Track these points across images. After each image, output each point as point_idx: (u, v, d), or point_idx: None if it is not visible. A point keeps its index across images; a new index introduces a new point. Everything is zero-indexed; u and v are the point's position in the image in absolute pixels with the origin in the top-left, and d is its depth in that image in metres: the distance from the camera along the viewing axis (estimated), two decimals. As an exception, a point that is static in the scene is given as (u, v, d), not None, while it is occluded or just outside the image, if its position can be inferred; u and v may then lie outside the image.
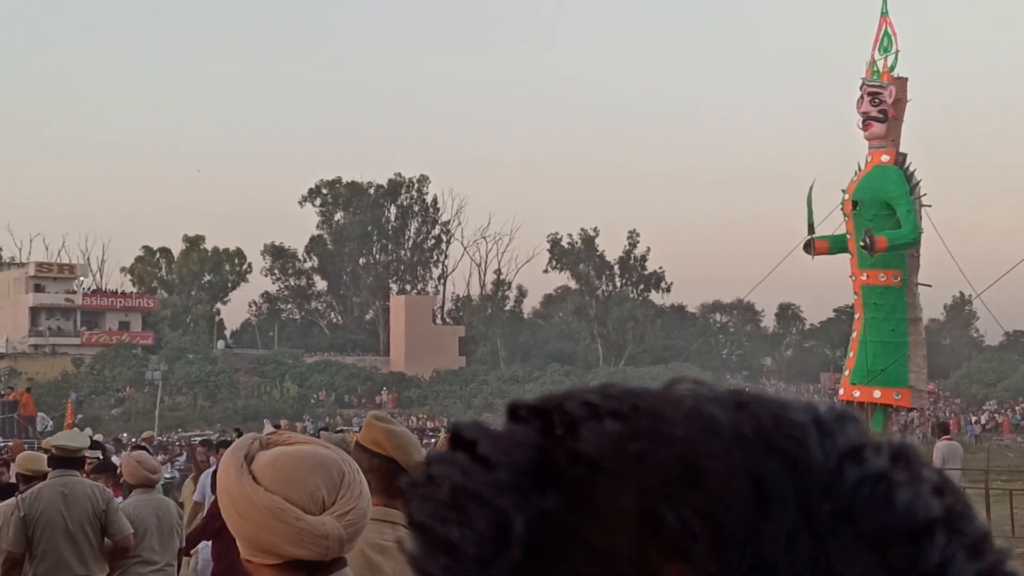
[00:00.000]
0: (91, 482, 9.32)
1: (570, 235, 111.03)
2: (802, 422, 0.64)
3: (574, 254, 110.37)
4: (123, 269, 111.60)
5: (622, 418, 0.66)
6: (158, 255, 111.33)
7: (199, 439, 16.24)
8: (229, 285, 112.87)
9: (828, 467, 0.62)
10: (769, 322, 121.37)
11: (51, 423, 62.09)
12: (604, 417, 0.66)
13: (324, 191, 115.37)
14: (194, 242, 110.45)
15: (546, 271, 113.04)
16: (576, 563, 0.61)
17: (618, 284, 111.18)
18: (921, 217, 38.49)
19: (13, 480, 10.91)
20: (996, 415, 73.54)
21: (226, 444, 28.75)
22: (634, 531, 0.61)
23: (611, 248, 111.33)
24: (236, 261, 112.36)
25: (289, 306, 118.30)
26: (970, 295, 68.14)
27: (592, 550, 0.62)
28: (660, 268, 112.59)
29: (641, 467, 0.62)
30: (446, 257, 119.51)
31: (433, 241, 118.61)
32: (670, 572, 0.59)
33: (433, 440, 41.41)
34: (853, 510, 0.61)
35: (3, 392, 66.08)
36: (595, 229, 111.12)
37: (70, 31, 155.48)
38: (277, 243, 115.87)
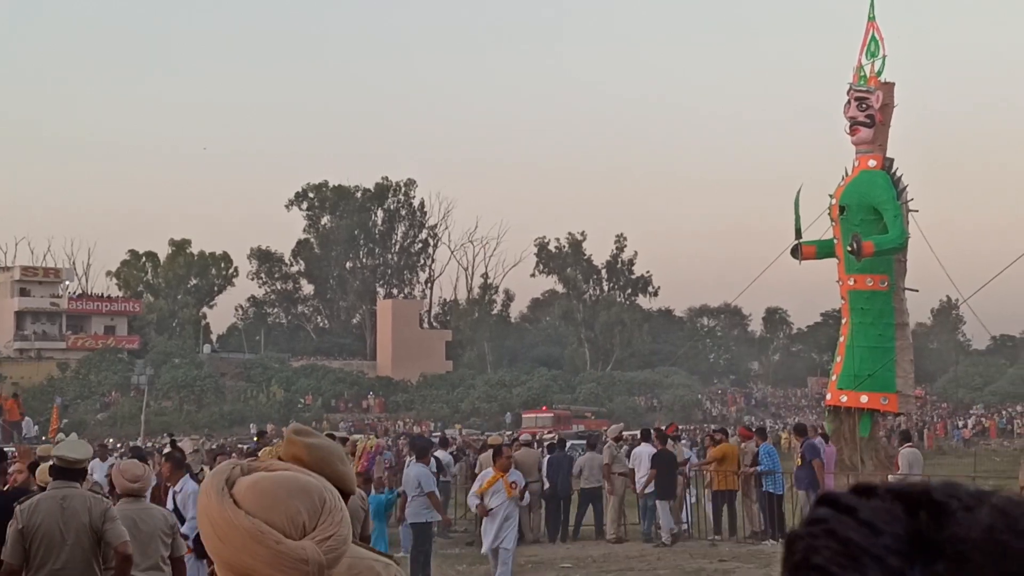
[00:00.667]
0: (90, 493, 9.22)
1: (557, 239, 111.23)
2: None
3: (561, 258, 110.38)
4: (109, 273, 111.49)
5: (989, 511, 0.85)
6: (144, 259, 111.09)
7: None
8: (215, 289, 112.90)
9: None
10: (756, 326, 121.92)
11: (37, 428, 62.03)
12: (972, 508, 0.85)
13: (311, 195, 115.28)
14: (180, 246, 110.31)
15: (533, 275, 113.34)
16: None
17: (605, 288, 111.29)
18: (908, 222, 38.51)
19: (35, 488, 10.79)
20: (983, 419, 73.70)
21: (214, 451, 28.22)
22: None
23: (598, 252, 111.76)
24: (222, 265, 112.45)
25: (276, 310, 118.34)
26: (957, 300, 68.21)
27: None
28: (647, 272, 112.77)
29: (1007, 555, 0.81)
30: (433, 261, 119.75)
31: (420, 245, 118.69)
32: None
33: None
34: None
35: None
36: (582, 233, 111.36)
37: (56, 35, 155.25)
38: (264, 247, 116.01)
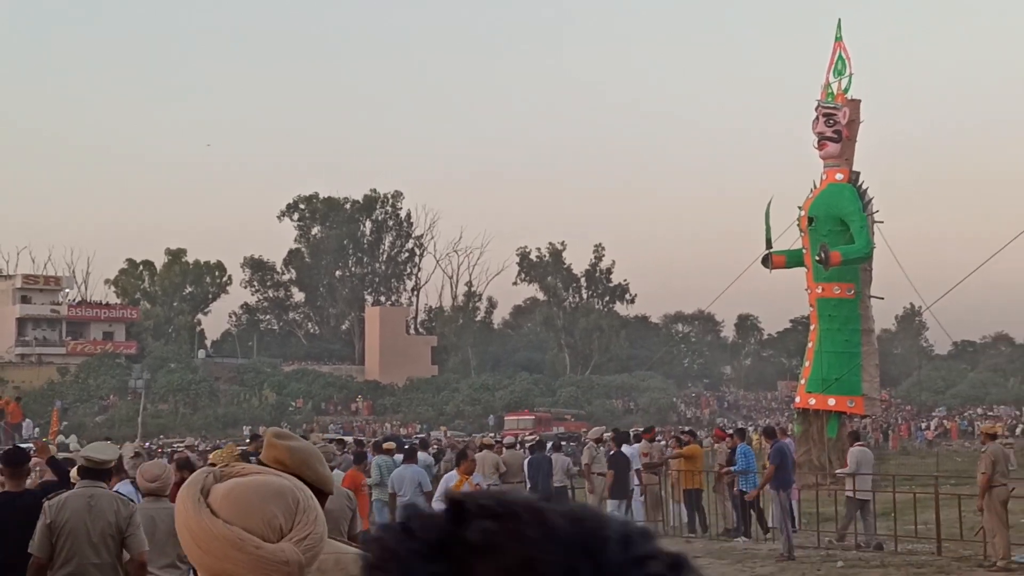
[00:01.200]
0: (115, 494, 9.28)
1: (538, 249, 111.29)
2: (612, 535, 0.92)
3: (542, 267, 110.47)
4: (107, 281, 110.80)
5: (498, 519, 0.95)
6: (141, 267, 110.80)
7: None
8: (210, 296, 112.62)
9: (620, 568, 0.89)
10: (729, 332, 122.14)
11: (37, 430, 61.84)
12: (487, 517, 0.95)
13: (302, 206, 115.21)
14: (176, 255, 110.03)
15: (515, 283, 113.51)
16: None
17: (584, 296, 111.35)
18: (873, 232, 38.73)
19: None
20: (945, 421, 73.98)
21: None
22: None
23: (578, 261, 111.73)
24: (216, 273, 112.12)
25: (268, 317, 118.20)
26: (920, 307, 68.41)
27: None
28: (625, 280, 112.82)
29: (500, 554, 0.91)
30: (419, 270, 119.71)
31: (407, 254, 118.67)
32: None
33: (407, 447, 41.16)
34: None
35: None
36: (562, 243, 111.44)
37: (62, 49, 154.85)
38: (256, 256, 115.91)
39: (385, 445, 28.38)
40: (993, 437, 21.17)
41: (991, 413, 76.52)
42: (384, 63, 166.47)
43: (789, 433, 35.98)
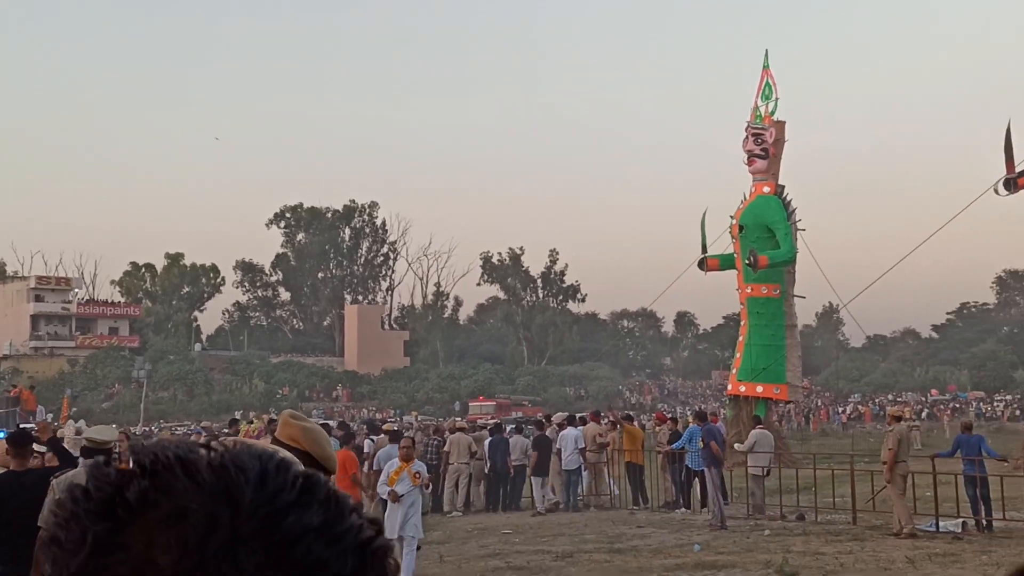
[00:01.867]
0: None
1: (499, 253, 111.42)
2: (250, 476, 0.91)
3: (503, 269, 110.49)
4: (113, 282, 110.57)
5: (155, 475, 0.92)
6: (143, 270, 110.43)
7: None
8: (205, 296, 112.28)
9: (255, 506, 0.89)
10: (669, 327, 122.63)
11: (50, 416, 61.41)
12: (147, 474, 0.92)
13: (288, 215, 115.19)
14: (175, 259, 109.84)
15: (479, 284, 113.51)
16: (112, 569, 0.85)
17: (540, 295, 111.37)
18: (796, 239, 38.90)
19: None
20: (859, 406, 74.42)
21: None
22: (140, 552, 0.87)
23: (535, 264, 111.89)
24: (211, 275, 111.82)
25: (257, 314, 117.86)
26: (837, 305, 68.97)
27: (122, 563, 0.86)
28: (576, 281, 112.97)
29: (154, 509, 0.88)
30: (393, 272, 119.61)
31: (382, 258, 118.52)
32: None
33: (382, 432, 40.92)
34: (262, 528, 0.88)
35: (7, 389, 65.72)
36: (521, 248, 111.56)
37: (74, 64, 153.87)
38: (247, 259, 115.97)
39: (384, 426, 28.46)
40: (898, 419, 21.40)
41: (900, 399, 77.02)
42: (364, 87, 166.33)
43: (721, 417, 36.03)
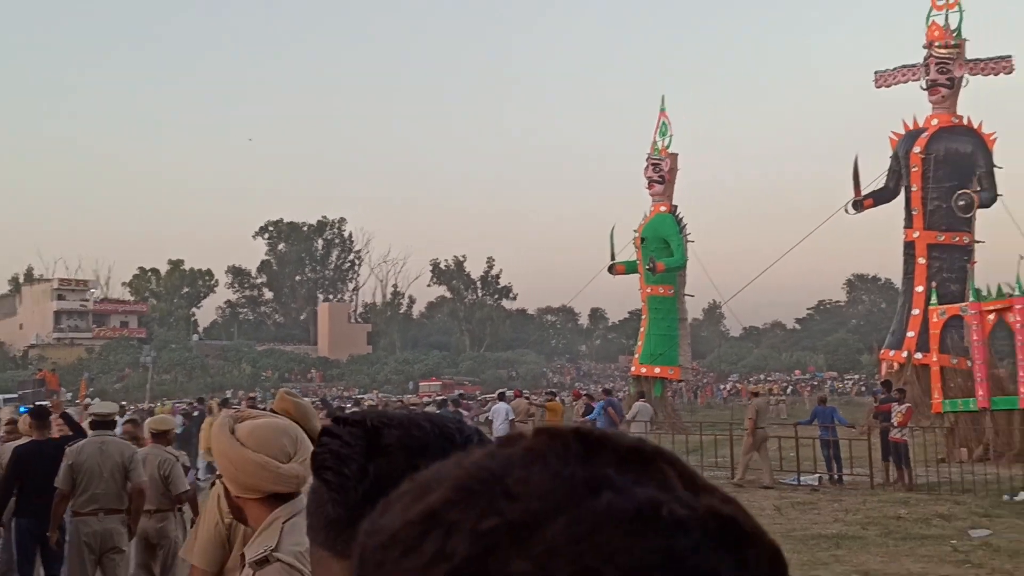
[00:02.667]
0: (121, 440, 9.28)
1: (446, 260, 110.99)
2: (451, 425, 1.16)
3: (449, 273, 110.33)
4: (124, 283, 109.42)
5: (394, 426, 1.14)
6: (149, 273, 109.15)
7: (128, 417, 15.07)
8: (201, 295, 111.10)
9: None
10: (584, 320, 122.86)
11: (70, 395, 60.90)
12: (392, 427, 1.13)
13: (271, 228, 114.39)
14: (176, 264, 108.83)
15: (429, 285, 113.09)
16: (387, 492, 0.78)
17: (479, 294, 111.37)
18: (687, 249, 39.24)
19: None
20: (737, 384, 75.19)
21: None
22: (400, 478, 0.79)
23: (475, 269, 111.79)
24: (206, 278, 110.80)
25: (245, 310, 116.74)
26: (719, 301, 69.56)
27: (392, 486, 0.81)
28: (509, 283, 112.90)
29: (403, 448, 1.11)
30: (358, 275, 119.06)
31: (348, 264, 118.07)
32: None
33: (348, 406, 40.79)
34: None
35: (34, 373, 65.65)
36: (463, 256, 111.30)
37: (90, 82, 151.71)
38: (237, 265, 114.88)
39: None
40: (756, 395, 22.02)
41: (769, 379, 77.94)
42: (335, 119, 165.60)
43: (623, 393, 36.33)
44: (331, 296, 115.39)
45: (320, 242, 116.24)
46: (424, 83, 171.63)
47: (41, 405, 12.03)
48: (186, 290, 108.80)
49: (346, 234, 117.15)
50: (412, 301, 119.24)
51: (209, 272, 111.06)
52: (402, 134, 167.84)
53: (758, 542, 0.58)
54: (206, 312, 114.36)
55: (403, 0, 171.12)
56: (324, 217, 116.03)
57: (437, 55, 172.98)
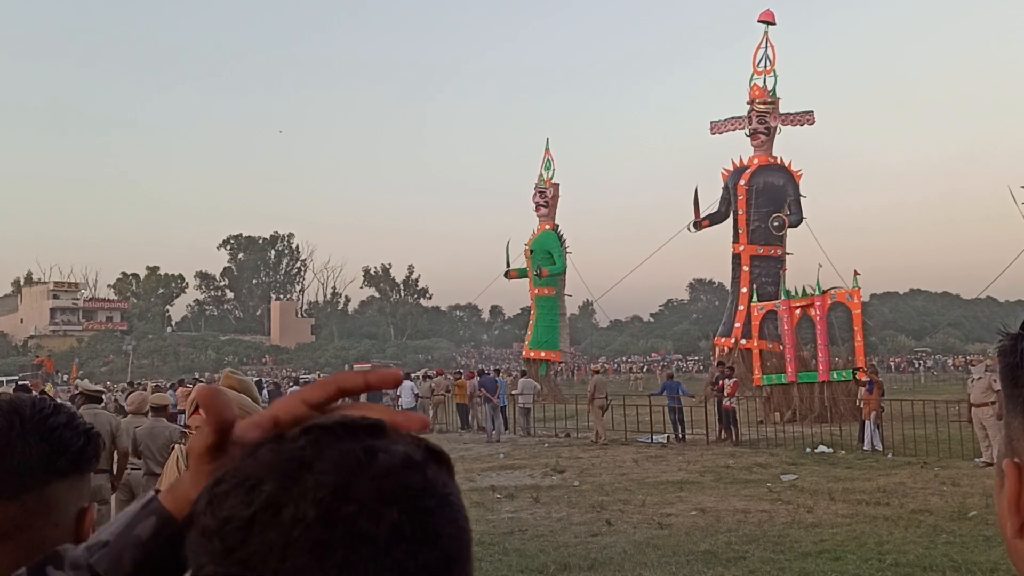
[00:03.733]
0: (108, 413, 9.05)
1: (375, 267, 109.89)
2: (25, 401, 1.12)
3: (378, 278, 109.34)
4: (109, 286, 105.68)
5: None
6: (131, 277, 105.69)
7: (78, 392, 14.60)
8: (174, 295, 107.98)
9: (32, 413, 1.13)
10: (486, 315, 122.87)
11: (65, 377, 59.18)
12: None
13: (232, 241, 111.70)
14: (153, 269, 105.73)
15: (362, 287, 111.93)
16: None
17: (402, 294, 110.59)
18: (567, 259, 39.53)
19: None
20: (606, 364, 76.08)
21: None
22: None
23: (399, 273, 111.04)
24: (179, 281, 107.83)
25: (211, 307, 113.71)
26: (591, 300, 70.18)
27: None
28: (426, 285, 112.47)
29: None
30: (303, 279, 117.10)
31: (296, 270, 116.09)
32: None
33: (292, 387, 39.86)
34: (37, 427, 1.11)
35: (34, 359, 64.16)
36: (389, 263, 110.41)
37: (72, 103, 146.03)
38: (204, 271, 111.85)
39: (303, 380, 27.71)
40: (596, 372, 22.56)
41: (629, 360, 79.09)
42: (284, 148, 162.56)
43: (512, 373, 36.34)
44: (282, 296, 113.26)
45: (273, 252, 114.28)
46: (358, 127, 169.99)
47: (23, 384, 11.59)
48: (161, 291, 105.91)
49: (294, 246, 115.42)
50: (348, 300, 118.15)
51: (181, 276, 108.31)
52: (342, 166, 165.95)
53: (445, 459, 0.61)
54: (178, 309, 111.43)
55: (337, 59, 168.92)
56: (276, 232, 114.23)
57: (370, 109, 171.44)
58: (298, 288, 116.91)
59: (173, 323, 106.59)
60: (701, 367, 67.08)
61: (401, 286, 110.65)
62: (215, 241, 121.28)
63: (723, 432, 19.99)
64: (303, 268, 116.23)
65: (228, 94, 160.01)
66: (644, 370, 66.57)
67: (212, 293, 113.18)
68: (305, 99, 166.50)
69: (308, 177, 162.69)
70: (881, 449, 16.99)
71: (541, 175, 40.82)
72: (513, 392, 25.14)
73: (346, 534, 0.52)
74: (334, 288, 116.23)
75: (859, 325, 22.91)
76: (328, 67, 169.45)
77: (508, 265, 40.87)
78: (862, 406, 17.93)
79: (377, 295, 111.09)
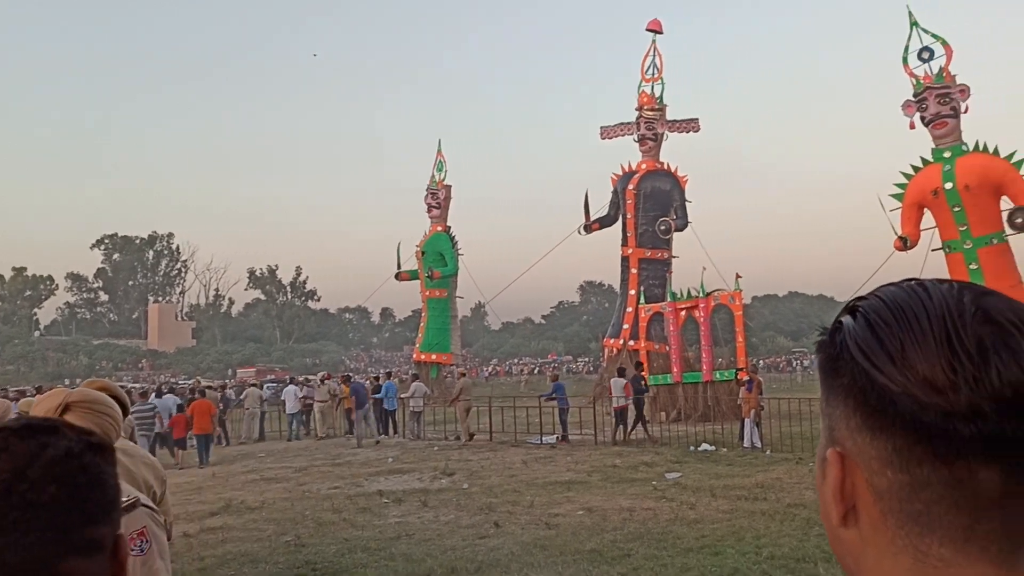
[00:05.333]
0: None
1: (261, 268, 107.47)
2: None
3: (264, 279, 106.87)
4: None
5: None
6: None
7: None
8: (42, 297, 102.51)
9: None
10: (376, 317, 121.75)
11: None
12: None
13: (107, 241, 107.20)
14: (19, 270, 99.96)
15: (247, 289, 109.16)
16: None
17: (290, 296, 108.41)
18: (458, 260, 39.54)
19: None
20: (496, 367, 76.47)
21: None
22: None
23: (286, 275, 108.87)
24: (48, 283, 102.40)
25: (83, 310, 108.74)
26: (483, 302, 70.46)
27: None
28: (314, 287, 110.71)
29: None
30: (184, 280, 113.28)
31: (177, 271, 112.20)
32: None
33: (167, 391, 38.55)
34: None
35: None
36: (276, 265, 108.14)
37: None
38: (76, 272, 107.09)
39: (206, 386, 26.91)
40: (463, 375, 22.76)
41: (520, 362, 79.75)
42: (165, 145, 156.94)
43: (404, 377, 36.12)
44: (160, 298, 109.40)
45: (151, 253, 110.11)
46: (245, 125, 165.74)
47: None
48: (28, 293, 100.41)
49: (174, 246, 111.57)
50: (232, 302, 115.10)
51: (50, 278, 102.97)
52: (227, 165, 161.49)
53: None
54: (47, 312, 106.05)
55: (221, 53, 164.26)
56: (155, 232, 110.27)
57: (255, 106, 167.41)
58: (178, 290, 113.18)
59: (41, 327, 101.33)
60: (591, 368, 68.14)
61: (288, 288, 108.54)
62: (88, 241, 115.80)
63: (619, 432, 20.22)
64: (184, 269, 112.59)
65: (103, 85, 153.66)
66: (535, 372, 67.22)
67: (84, 295, 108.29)
68: (188, 93, 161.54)
69: (190, 176, 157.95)
70: (760, 446, 17.66)
71: (433, 176, 40.75)
72: (403, 395, 24.98)
73: (19, 503, 0.85)
74: (217, 290, 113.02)
75: (740, 326, 23.75)
76: (210, 61, 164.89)
77: (399, 267, 40.58)
78: (742, 405, 18.61)
79: (263, 297, 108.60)
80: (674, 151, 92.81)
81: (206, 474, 16.99)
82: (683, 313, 24.57)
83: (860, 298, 0.71)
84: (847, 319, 0.71)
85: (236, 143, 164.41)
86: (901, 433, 0.65)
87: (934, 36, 26.51)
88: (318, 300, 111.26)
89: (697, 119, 34.03)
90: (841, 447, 0.70)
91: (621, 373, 21.64)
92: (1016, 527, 0.64)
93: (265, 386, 35.92)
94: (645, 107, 33.39)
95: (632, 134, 33.75)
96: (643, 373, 21.74)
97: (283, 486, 15.01)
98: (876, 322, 0.67)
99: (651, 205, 32.33)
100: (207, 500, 13.65)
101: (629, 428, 19.94)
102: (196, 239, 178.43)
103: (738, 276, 24.51)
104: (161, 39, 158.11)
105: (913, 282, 0.69)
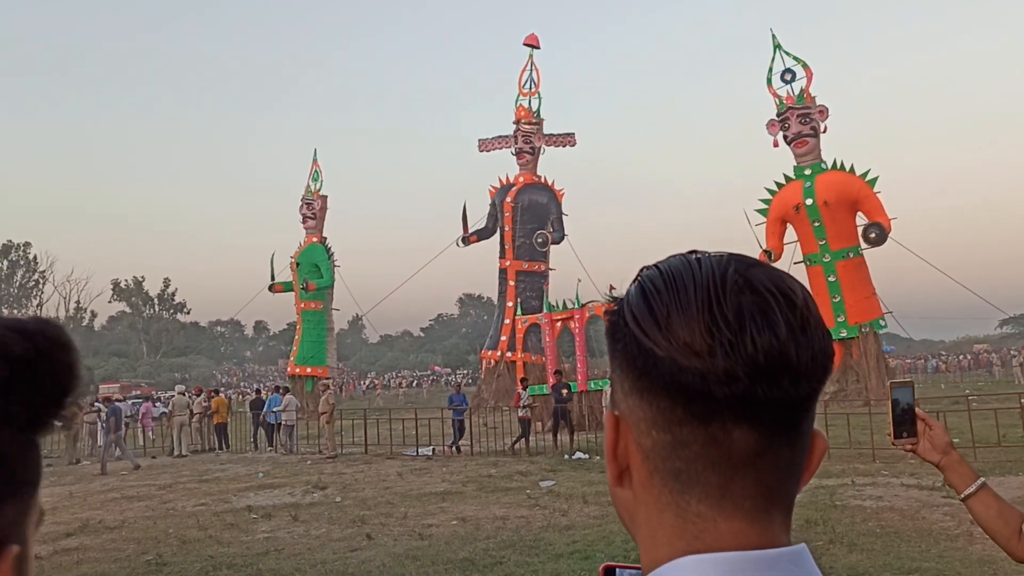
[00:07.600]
0: None
1: (126, 279, 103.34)
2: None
3: (129, 291, 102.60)
4: None
5: None
6: None
7: None
8: None
9: None
10: (249, 330, 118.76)
11: None
12: None
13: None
14: None
15: (111, 301, 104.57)
16: None
17: (157, 309, 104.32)
18: (335, 272, 39.03)
19: None
20: (374, 380, 75.58)
21: None
22: None
23: (153, 287, 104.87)
24: None
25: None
26: (360, 314, 69.70)
27: None
28: (184, 299, 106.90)
29: None
30: (42, 292, 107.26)
31: (34, 283, 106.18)
32: None
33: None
34: None
35: None
36: (143, 276, 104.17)
37: None
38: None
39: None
40: (326, 388, 22.40)
41: (400, 375, 79.11)
42: (22, 150, 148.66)
43: (281, 390, 35.32)
44: (15, 311, 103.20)
45: (5, 263, 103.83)
46: (111, 133, 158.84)
47: None
48: None
49: (31, 256, 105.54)
50: (94, 315, 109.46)
51: None
52: (90, 173, 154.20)
53: None
54: None
55: (94, 57, 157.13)
56: (10, 241, 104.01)
57: (125, 114, 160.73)
58: (35, 302, 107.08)
59: None
60: (470, 380, 68.38)
61: (155, 300, 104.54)
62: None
63: (522, 440, 20.20)
64: (42, 280, 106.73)
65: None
66: (415, 384, 66.84)
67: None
68: (53, 97, 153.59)
69: (50, 181, 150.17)
70: (632, 453, 18.06)
71: (308, 186, 40.14)
72: (275, 409, 24.39)
73: None
74: (78, 302, 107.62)
75: (614, 337, 24.26)
76: (71, 54, 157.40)
77: (273, 278, 39.76)
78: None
79: (128, 310, 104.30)
80: (551, 165, 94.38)
81: (62, 493, 16.12)
82: (559, 324, 24.96)
83: (644, 267, 0.73)
84: (630, 287, 0.73)
85: (100, 147, 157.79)
86: (663, 395, 0.68)
87: (795, 59, 27.99)
88: (187, 313, 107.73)
89: (573, 134, 34.75)
90: (618, 410, 0.73)
91: (524, 384, 21.76)
92: (768, 485, 0.68)
93: (131, 402, 34.46)
94: (523, 120, 33.87)
95: (510, 147, 34.16)
96: (565, 380, 21.66)
97: (146, 504, 14.40)
98: (649, 290, 0.70)
99: (528, 218, 32.77)
100: (62, 520, 12.95)
101: (556, 437, 20.03)
102: (56, 248, 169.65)
103: (612, 288, 24.96)
104: (12, 25, 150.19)
105: (691, 253, 0.72)
